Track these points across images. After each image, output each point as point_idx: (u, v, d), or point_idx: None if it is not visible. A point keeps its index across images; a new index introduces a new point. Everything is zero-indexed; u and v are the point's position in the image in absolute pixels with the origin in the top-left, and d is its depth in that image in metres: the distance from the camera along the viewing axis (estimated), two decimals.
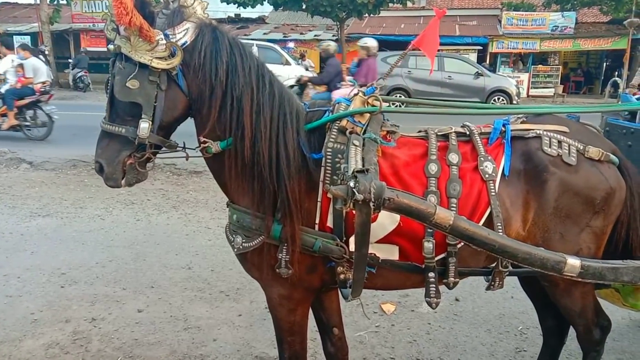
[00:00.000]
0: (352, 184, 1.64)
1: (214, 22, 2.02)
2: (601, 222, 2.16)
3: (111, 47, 1.91)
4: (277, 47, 18.82)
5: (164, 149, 2.05)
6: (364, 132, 2.00)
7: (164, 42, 1.87)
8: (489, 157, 2.09)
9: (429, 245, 1.99)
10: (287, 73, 17.06)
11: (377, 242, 2.02)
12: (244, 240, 2.04)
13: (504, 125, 2.19)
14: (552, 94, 22.44)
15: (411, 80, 17.26)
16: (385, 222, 1.99)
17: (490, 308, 3.88)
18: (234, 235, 2.09)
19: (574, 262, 1.94)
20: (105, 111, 1.98)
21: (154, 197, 6.50)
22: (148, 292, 4.06)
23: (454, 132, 2.18)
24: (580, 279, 2.00)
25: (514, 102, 16.80)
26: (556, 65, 24.36)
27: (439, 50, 17.18)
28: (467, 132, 2.18)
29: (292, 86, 9.29)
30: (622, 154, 2.36)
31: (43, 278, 4.23)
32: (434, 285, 2.08)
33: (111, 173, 1.97)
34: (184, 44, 1.91)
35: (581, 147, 2.12)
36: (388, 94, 16.73)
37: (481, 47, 23.63)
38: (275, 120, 1.99)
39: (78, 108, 15.36)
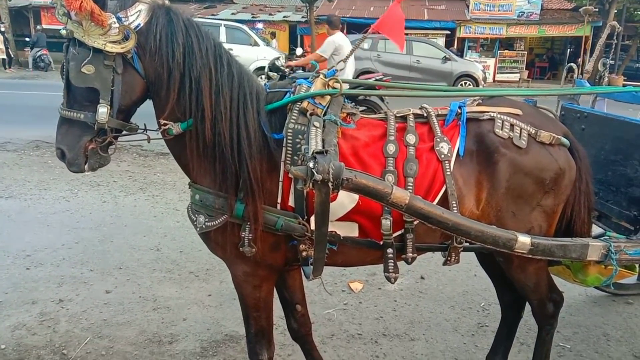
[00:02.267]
0: (311, 164, 1.70)
1: (167, 3, 2.01)
2: (552, 201, 2.26)
3: (64, 32, 1.89)
4: (245, 27, 18.55)
5: (125, 132, 2.04)
6: (325, 114, 2.05)
7: (117, 25, 1.85)
8: (445, 138, 2.16)
9: (386, 222, 2.06)
10: (256, 54, 16.95)
11: (338, 220, 2.08)
12: (206, 220, 2.06)
13: (459, 107, 2.26)
14: (518, 79, 22.85)
15: (380, 64, 17.27)
16: (345, 201, 2.04)
17: (454, 286, 4.00)
18: (196, 215, 2.11)
19: (524, 240, 2.06)
20: (62, 97, 1.96)
21: (120, 179, 6.42)
22: (116, 273, 4.04)
23: (412, 113, 2.24)
24: (530, 256, 2.12)
25: (480, 86, 17.05)
26: (522, 50, 24.79)
27: (407, 34, 17.25)
28: (425, 114, 2.25)
29: None
30: (576, 137, 2.47)
31: (7, 260, 4.16)
32: (392, 261, 2.16)
33: (73, 159, 1.96)
34: (137, 26, 1.90)
35: (533, 131, 2.20)
36: (357, 77, 16.78)
37: (449, 32, 23.84)
38: (235, 100, 2.01)
39: (39, 88, 14.93)
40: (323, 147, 1.84)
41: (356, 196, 2.00)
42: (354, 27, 22.29)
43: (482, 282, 3.92)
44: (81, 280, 3.89)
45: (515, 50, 24.71)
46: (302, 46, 24.40)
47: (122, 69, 1.90)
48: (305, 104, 2.05)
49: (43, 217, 5.13)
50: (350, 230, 2.13)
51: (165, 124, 1.98)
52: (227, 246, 2.11)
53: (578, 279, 2.68)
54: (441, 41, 22.46)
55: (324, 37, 23.66)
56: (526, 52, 24.69)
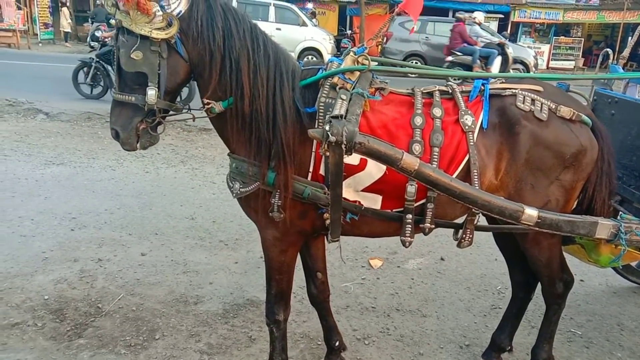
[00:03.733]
0: (327, 127, 1.91)
1: None
2: (571, 176, 2.33)
3: (113, 21, 2.09)
4: (294, 7, 18.61)
5: (172, 112, 2.24)
6: (353, 89, 2.18)
7: (161, 13, 2.02)
8: (469, 112, 2.27)
9: (411, 189, 2.19)
10: (304, 35, 17.06)
11: (363, 190, 2.24)
12: (241, 186, 2.25)
13: (482, 85, 2.36)
14: (573, 67, 22.08)
15: (428, 47, 17.09)
16: (373, 170, 2.20)
17: (473, 268, 4.08)
18: (233, 182, 2.30)
19: (531, 212, 2.16)
20: (114, 82, 2.17)
21: (163, 152, 6.72)
22: (152, 238, 4.31)
23: (438, 90, 2.37)
24: (537, 229, 2.20)
25: (531, 72, 16.56)
26: (579, 37, 23.87)
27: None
28: (450, 91, 2.36)
29: None
30: (606, 122, 2.50)
31: (55, 221, 4.51)
32: (410, 226, 2.28)
33: (126, 138, 2.16)
34: (179, 13, 2.06)
35: (553, 106, 2.29)
36: (404, 60, 16.62)
37: (503, 16, 23.18)
38: (271, 79, 2.16)
39: None
40: (345, 115, 2.00)
41: (383, 167, 2.14)
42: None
43: (501, 267, 3.95)
44: (120, 243, 4.19)
45: (571, 37, 23.81)
46: (351, 27, 24.32)
47: (167, 53, 2.08)
48: (335, 79, 2.19)
49: (90, 184, 5.48)
50: (373, 202, 2.28)
51: (208, 103, 2.17)
52: (259, 211, 2.30)
53: (592, 259, 2.73)
54: (494, 25, 21.88)
55: (374, 18, 23.41)
56: (583, 39, 23.79)
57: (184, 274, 3.78)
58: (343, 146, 1.94)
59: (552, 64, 22.95)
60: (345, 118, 2.00)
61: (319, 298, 2.80)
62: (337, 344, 2.87)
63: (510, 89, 2.34)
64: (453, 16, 22.50)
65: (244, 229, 4.56)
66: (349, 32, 22.82)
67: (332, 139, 1.91)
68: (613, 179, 2.49)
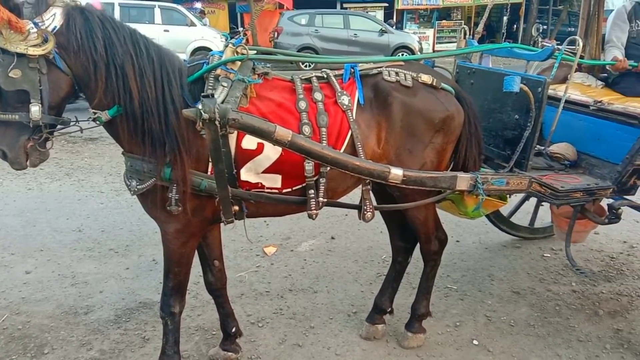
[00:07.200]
0: (199, 106, 2.03)
1: (79, 4, 2.17)
2: (441, 139, 2.62)
3: None
4: (181, 8, 18.21)
5: (59, 126, 2.21)
6: (236, 77, 2.29)
7: (35, 30, 1.99)
8: (345, 92, 2.48)
9: (309, 166, 2.36)
10: (193, 35, 16.77)
11: (263, 172, 2.37)
12: (138, 184, 2.30)
13: (352, 67, 2.59)
14: (456, 49, 23.42)
15: (319, 39, 17.43)
16: (270, 153, 2.32)
17: (360, 242, 4.32)
18: (129, 180, 2.33)
19: (397, 172, 2.42)
20: None
21: (46, 166, 6.38)
22: (37, 255, 4.15)
23: (315, 76, 2.55)
24: (404, 186, 2.46)
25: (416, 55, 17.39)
26: (459, 20, 25.38)
27: (345, 8, 17.35)
28: (325, 76, 2.56)
29: None
30: (466, 90, 2.87)
31: None
32: (313, 199, 2.45)
33: (15, 157, 2.11)
34: (54, 28, 2.05)
35: (415, 74, 2.58)
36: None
37: (387, 5, 24.12)
38: (159, 80, 2.21)
39: None
40: (224, 100, 2.14)
41: (279, 149, 2.28)
42: (298, 4, 22.29)
43: (386, 238, 4.15)
44: (1, 265, 3.99)
45: (452, 20, 25.28)
46: (242, 25, 24.22)
47: (47, 69, 2.06)
48: (218, 71, 2.29)
49: None
50: (273, 182, 2.41)
51: (95, 113, 2.17)
52: (158, 206, 2.34)
53: (461, 211, 3.05)
54: (380, 14, 22.75)
55: (267, 14, 23.34)
56: (463, 21, 25.26)
57: (72, 286, 3.69)
58: (217, 122, 2.05)
59: (437, 47, 24.20)
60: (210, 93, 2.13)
61: (216, 285, 2.88)
62: (233, 330, 2.96)
63: (376, 68, 2.59)
64: (341, 7, 23.24)
65: (134, 235, 4.50)
66: (240, 29, 22.72)
67: (205, 116, 2.02)
68: (481, 139, 2.84)
